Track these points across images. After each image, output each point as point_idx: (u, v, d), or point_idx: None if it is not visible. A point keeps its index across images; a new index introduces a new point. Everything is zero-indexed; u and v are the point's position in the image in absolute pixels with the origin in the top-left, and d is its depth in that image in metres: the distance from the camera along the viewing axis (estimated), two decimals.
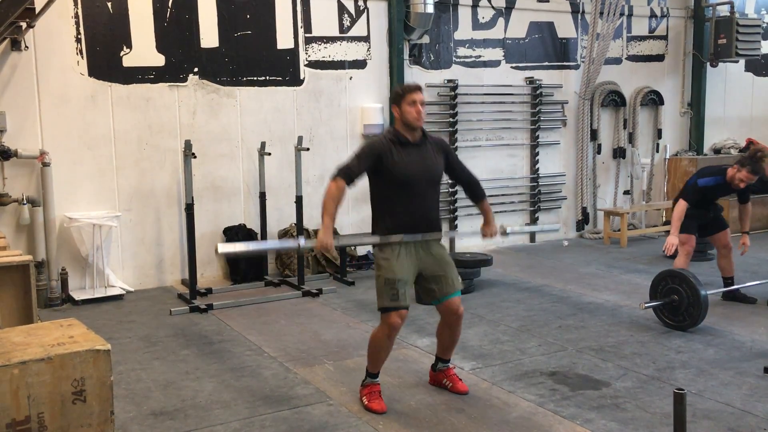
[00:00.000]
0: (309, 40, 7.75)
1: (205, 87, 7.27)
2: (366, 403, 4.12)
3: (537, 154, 9.30)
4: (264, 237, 7.36)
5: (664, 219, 9.90)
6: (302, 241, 4.07)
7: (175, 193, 7.18)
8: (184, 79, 7.17)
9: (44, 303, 6.36)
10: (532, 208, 9.33)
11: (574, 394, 4.28)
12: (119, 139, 6.93)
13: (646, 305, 5.53)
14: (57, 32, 6.58)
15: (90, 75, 6.76)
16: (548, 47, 9.32)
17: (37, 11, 5.79)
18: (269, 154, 7.27)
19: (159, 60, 7.04)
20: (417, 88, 4.09)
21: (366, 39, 8.08)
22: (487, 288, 6.94)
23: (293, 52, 7.69)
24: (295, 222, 7.23)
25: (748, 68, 11.05)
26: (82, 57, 6.72)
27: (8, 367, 2.57)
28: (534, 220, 9.35)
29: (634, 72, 10.06)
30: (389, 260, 4.00)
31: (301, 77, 7.75)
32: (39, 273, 6.31)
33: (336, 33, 7.90)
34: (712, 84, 10.65)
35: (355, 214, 8.06)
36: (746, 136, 10.75)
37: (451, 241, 8.62)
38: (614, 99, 9.77)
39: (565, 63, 9.46)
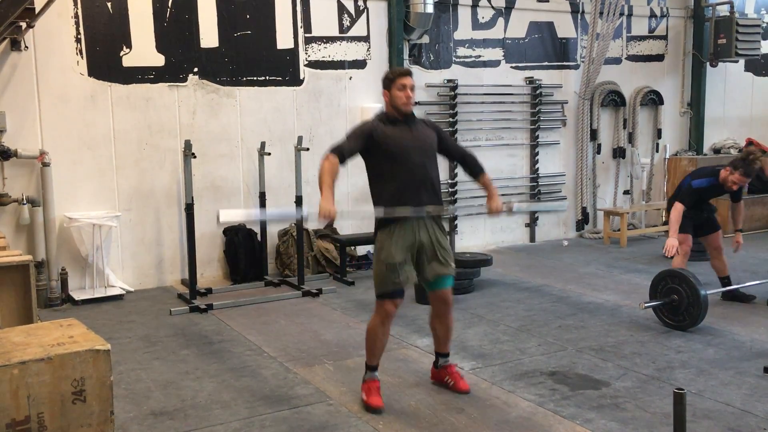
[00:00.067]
0: (309, 40, 7.75)
1: (205, 87, 7.27)
2: (365, 398, 4.15)
3: (537, 154, 9.30)
4: (264, 237, 7.36)
5: (663, 219, 9.89)
6: (305, 211, 3.96)
7: (174, 193, 7.18)
8: (184, 79, 7.17)
9: (44, 303, 6.36)
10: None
11: (573, 394, 4.28)
12: (119, 139, 6.93)
13: (646, 305, 5.53)
14: (57, 32, 6.58)
15: (90, 75, 6.76)
16: (548, 47, 9.32)
17: (36, 11, 5.78)
18: (269, 154, 7.27)
19: (159, 60, 7.04)
20: (407, 73, 4.10)
21: (366, 39, 8.08)
22: (487, 288, 6.94)
23: (293, 52, 7.69)
24: (295, 222, 7.22)
25: (747, 68, 11.06)
26: (82, 57, 6.72)
27: (8, 367, 2.57)
28: (534, 220, 9.35)
29: (633, 72, 10.06)
30: (389, 244, 4.02)
31: (301, 77, 7.75)
32: (39, 273, 6.31)
33: (336, 33, 7.90)
34: (711, 84, 10.65)
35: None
36: (746, 136, 10.75)
37: (451, 242, 8.61)
38: (614, 99, 9.77)
39: (564, 63, 9.46)
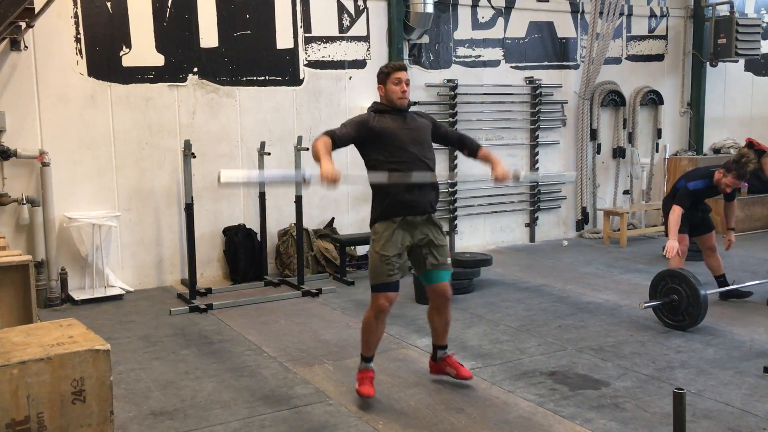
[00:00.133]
0: (308, 40, 7.75)
1: (205, 87, 7.27)
2: (357, 387, 4.21)
3: (537, 153, 9.29)
4: (264, 237, 7.37)
5: (663, 219, 9.90)
6: (308, 173, 3.91)
7: (174, 193, 7.18)
8: (184, 79, 7.17)
9: (44, 303, 6.36)
10: (531, 208, 9.33)
11: (573, 394, 4.28)
12: (119, 139, 6.93)
13: (646, 305, 5.53)
14: (56, 32, 6.58)
15: (89, 75, 6.76)
16: (548, 47, 9.32)
17: (36, 11, 5.78)
18: (269, 153, 7.27)
19: (158, 60, 7.04)
20: (402, 67, 4.12)
21: (366, 39, 8.07)
22: (487, 288, 6.94)
23: (293, 52, 7.68)
24: (295, 222, 7.23)
25: (747, 68, 11.06)
26: (82, 57, 6.72)
27: (8, 367, 2.56)
28: (534, 220, 9.35)
29: (633, 72, 10.06)
30: (384, 237, 4.07)
31: (301, 77, 7.75)
32: (38, 273, 6.31)
33: (335, 33, 7.90)
34: (711, 84, 10.65)
35: (355, 213, 8.07)
36: (746, 136, 10.73)
37: (451, 242, 8.61)
38: (614, 99, 9.77)
39: (564, 63, 9.46)
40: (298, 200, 7.08)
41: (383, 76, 4.12)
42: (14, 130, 6.47)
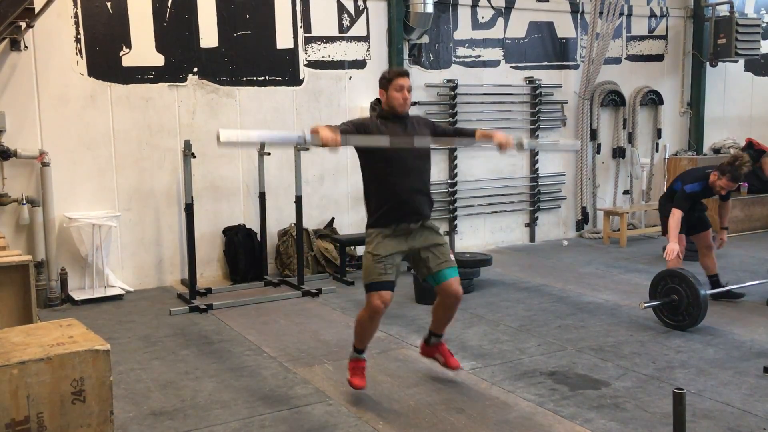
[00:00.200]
0: (308, 40, 7.75)
1: (205, 87, 7.27)
2: (348, 377, 4.22)
3: (537, 153, 9.29)
4: (264, 237, 7.36)
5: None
6: (308, 135, 3.90)
7: (174, 193, 7.18)
8: (184, 79, 7.17)
9: (44, 303, 6.36)
10: (531, 208, 9.33)
11: (573, 394, 4.28)
12: (119, 139, 6.93)
13: (646, 305, 5.53)
14: (56, 32, 6.58)
15: (89, 75, 6.76)
16: (548, 47, 9.32)
17: (36, 11, 5.78)
18: (269, 154, 7.27)
19: (158, 60, 7.04)
20: (404, 73, 4.11)
21: (365, 39, 8.07)
22: (487, 288, 6.94)
23: (293, 52, 7.68)
24: (295, 222, 7.23)
25: (747, 68, 11.06)
26: (82, 57, 6.72)
27: (7, 367, 2.57)
28: (534, 220, 9.35)
29: (633, 72, 10.06)
30: (378, 239, 4.09)
31: (301, 77, 7.75)
32: (38, 273, 6.31)
33: (335, 33, 7.90)
34: (711, 84, 10.65)
35: (355, 213, 8.07)
36: (746, 136, 10.75)
37: (451, 242, 8.61)
38: (614, 99, 9.77)
39: (564, 63, 9.46)
40: (298, 200, 7.08)
41: (385, 82, 4.09)
42: (14, 130, 6.47)
